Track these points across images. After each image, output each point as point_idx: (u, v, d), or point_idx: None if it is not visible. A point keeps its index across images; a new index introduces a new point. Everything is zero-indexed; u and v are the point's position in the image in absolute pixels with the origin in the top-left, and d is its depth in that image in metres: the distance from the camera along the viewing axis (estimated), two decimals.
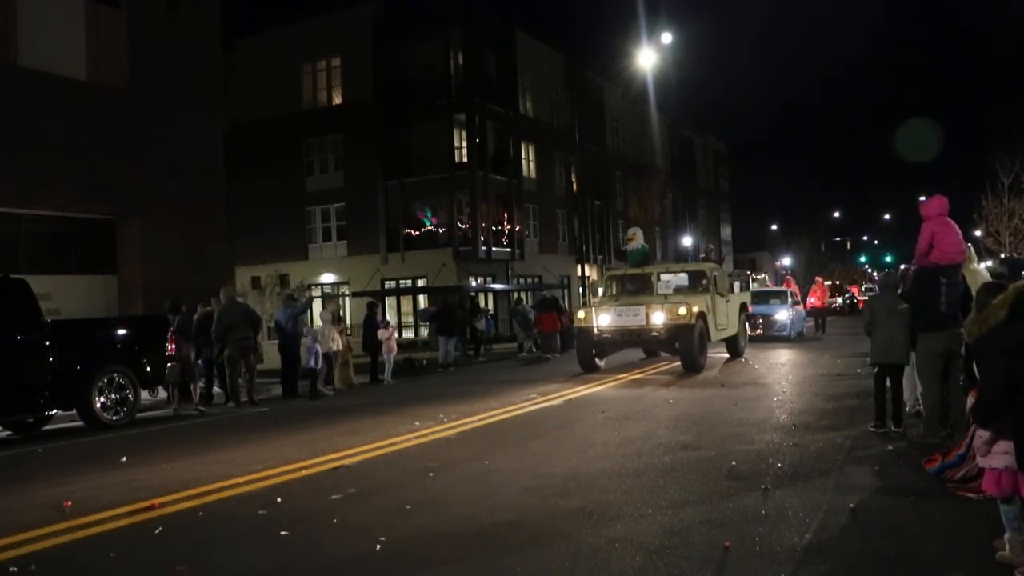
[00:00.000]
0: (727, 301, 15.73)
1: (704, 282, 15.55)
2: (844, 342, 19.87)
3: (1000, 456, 4.00)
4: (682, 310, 13.59)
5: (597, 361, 14.88)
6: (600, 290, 16.97)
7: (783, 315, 21.96)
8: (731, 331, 16.04)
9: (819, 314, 25.14)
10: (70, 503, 5.87)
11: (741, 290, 17.96)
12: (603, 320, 14.36)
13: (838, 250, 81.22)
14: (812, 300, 25.38)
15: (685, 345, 13.57)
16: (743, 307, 17.49)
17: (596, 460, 6.83)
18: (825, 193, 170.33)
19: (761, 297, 23.50)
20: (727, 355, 16.63)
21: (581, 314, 15.01)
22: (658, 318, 13.75)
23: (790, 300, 22.97)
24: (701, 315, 13.90)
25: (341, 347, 14.47)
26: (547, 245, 38.96)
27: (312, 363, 13.64)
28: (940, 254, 7.11)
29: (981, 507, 4.58)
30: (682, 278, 16.24)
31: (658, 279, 15.62)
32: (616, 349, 15.12)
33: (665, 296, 14.95)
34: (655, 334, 13.91)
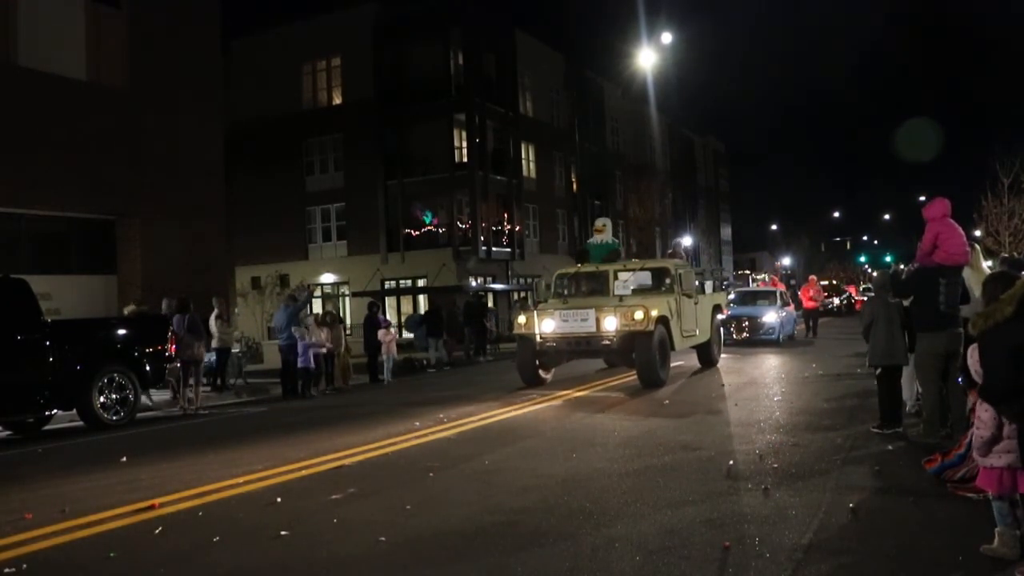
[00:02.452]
0: (696, 303, 13.86)
1: (668, 281, 13.44)
2: (837, 345, 19.04)
3: (1001, 455, 4.03)
4: (638, 314, 11.68)
5: (542, 374, 12.94)
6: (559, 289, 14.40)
7: (770, 317, 20.33)
8: (701, 337, 14.12)
9: (811, 315, 23.65)
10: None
11: (715, 290, 16.12)
12: (547, 326, 12.36)
13: (838, 250, 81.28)
14: (804, 300, 23.89)
15: (642, 356, 11.74)
16: (716, 310, 15.47)
17: (596, 460, 6.83)
18: (825, 193, 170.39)
19: (747, 298, 22.29)
20: (699, 364, 14.83)
21: (521, 319, 12.88)
22: (610, 324, 11.86)
23: (779, 301, 21.53)
24: (662, 320, 12.12)
25: (329, 347, 14.27)
26: (547, 245, 38.96)
27: (302, 362, 13.56)
28: (945, 255, 7.13)
29: (981, 507, 4.58)
30: (644, 277, 13.96)
31: (615, 278, 13.44)
32: (563, 360, 13.13)
33: (620, 298, 12.82)
34: (606, 343, 11.97)
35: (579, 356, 12.98)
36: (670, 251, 16.97)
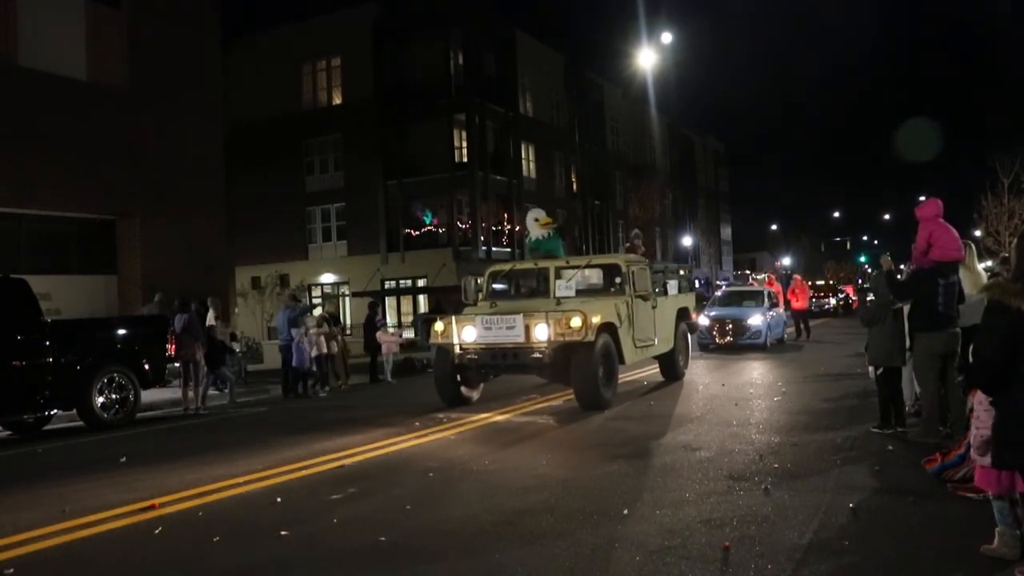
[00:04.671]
0: (654, 306, 11.75)
1: (618, 280, 11.41)
2: (832, 348, 18.25)
3: None
4: (575, 321, 9.60)
5: (465, 391, 10.91)
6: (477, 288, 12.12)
7: (756, 319, 18.45)
8: (662, 347, 12.10)
9: (800, 317, 22.22)
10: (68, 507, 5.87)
11: (682, 291, 13.69)
12: (467, 335, 10.33)
13: (838, 250, 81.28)
14: (792, 301, 22.32)
15: (580, 372, 9.72)
16: (682, 314, 13.24)
17: (596, 460, 6.83)
18: (825, 193, 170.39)
19: (732, 298, 20.71)
20: (662, 378, 12.84)
21: (438, 326, 10.68)
22: (541, 333, 9.77)
23: (767, 302, 19.73)
24: (607, 327, 10.20)
25: (322, 352, 14.10)
26: None
27: (296, 363, 13.58)
28: (940, 251, 7.15)
29: (981, 507, 4.58)
30: (592, 276, 12.01)
31: (558, 276, 11.37)
32: (488, 376, 11.13)
33: (558, 301, 10.78)
34: (537, 356, 9.83)
35: (506, 371, 10.91)
36: (627, 244, 14.50)
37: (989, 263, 8.86)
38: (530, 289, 12.15)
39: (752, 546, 4.33)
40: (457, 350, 10.44)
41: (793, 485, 5.67)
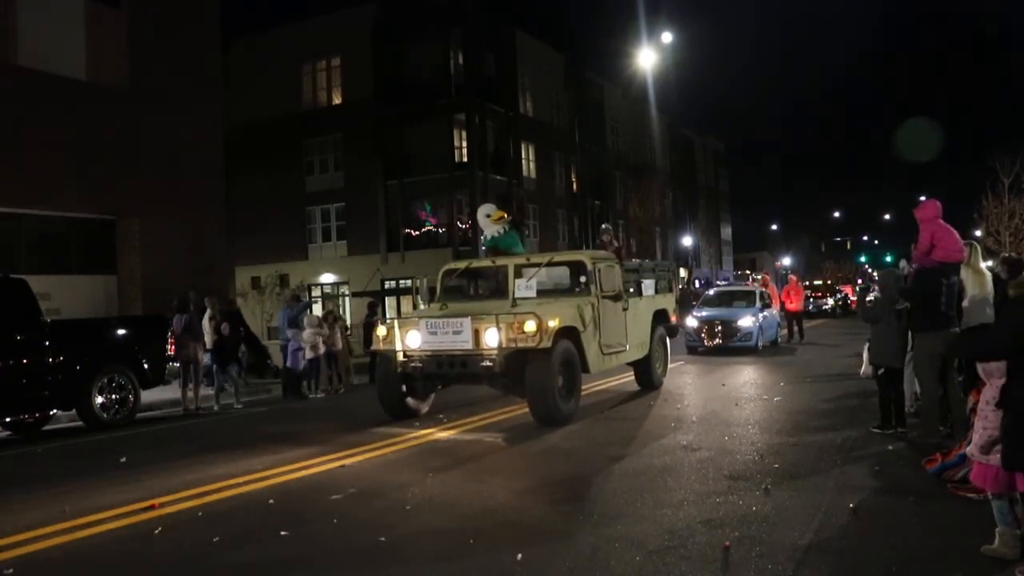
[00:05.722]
0: (625, 308, 10.65)
1: (583, 280, 10.19)
2: (828, 351, 17.52)
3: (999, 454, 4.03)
4: (529, 325, 8.54)
5: (411, 403, 9.89)
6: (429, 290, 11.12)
7: (747, 321, 17.50)
8: (635, 353, 11.04)
9: (794, 318, 21.19)
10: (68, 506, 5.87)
11: (659, 291, 12.38)
12: (411, 340, 9.34)
13: (838, 250, 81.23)
14: (786, 302, 21.35)
15: (535, 383, 8.66)
16: (659, 317, 12.09)
17: (596, 460, 6.83)
18: (825, 193, 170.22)
19: (723, 298, 19.84)
20: (638, 386, 11.71)
21: (381, 331, 9.72)
22: (492, 339, 8.77)
23: (759, 303, 18.76)
24: (567, 332, 9.05)
25: (318, 354, 13.87)
26: (547, 245, 38.94)
27: (290, 363, 13.60)
28: (944, 252, 7.17)
29: (981, 507, 4.58)
30: (557, 274, 10.80)
31: (517, 275, 10.19)
32: (435, 386, 10.00)
33: (514, 302, 9.60)
34: (487, 364, 8.77)
35: (455, 381, 9.82)
36: (599, 240, 13.16)
37: (989, 263, 8.87)
38: (489, 290, 10.90)
39: (752, 546, 4.34)
40: (400, 357, 9.45)
41: (793, 485, 5.67)
